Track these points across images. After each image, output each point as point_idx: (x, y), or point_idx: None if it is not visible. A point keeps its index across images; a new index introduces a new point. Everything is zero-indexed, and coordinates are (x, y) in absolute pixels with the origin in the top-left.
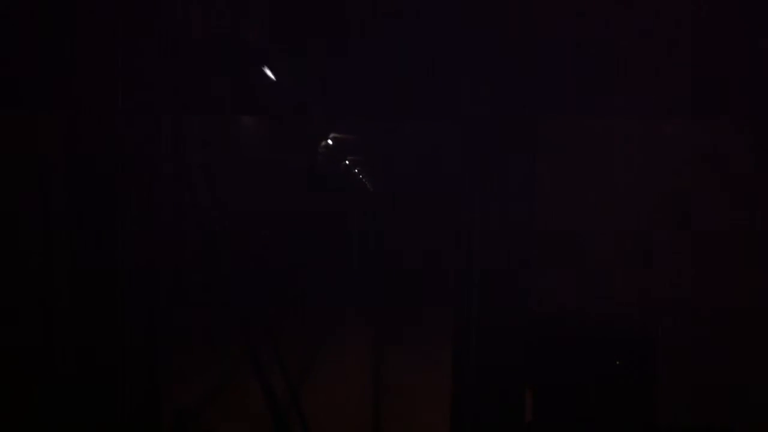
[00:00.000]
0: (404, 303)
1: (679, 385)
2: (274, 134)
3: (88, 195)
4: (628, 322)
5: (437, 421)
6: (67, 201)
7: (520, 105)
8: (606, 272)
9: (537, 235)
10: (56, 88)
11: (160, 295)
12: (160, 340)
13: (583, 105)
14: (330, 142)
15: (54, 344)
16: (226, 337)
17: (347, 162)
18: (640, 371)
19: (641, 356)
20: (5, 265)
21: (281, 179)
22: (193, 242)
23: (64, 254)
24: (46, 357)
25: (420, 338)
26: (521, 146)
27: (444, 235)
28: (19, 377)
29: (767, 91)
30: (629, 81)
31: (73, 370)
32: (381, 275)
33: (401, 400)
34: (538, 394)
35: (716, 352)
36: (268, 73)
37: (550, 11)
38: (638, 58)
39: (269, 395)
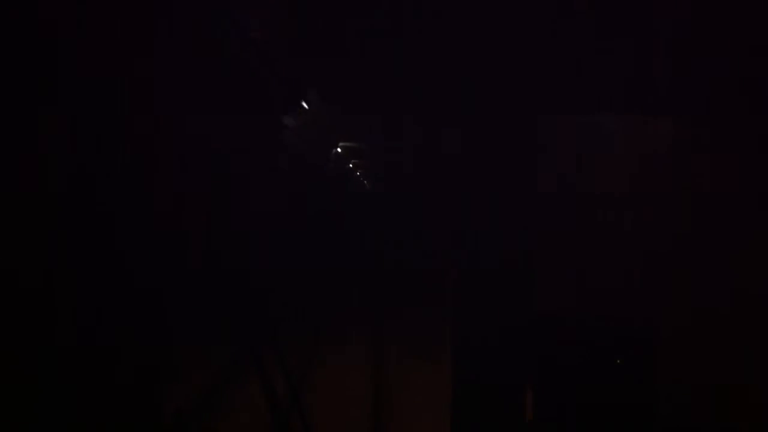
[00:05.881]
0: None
1: (679, 385)
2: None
3: (89, 194)
4: (628, 322)
5: None
6: (68, 200)
7: (520, 105)
8: (606, 272)
9: (537, 234)
10: (57, 88)
11: (160, 293)
12: (160, 339)
13: (583, 105)
14: (339, 150)
15: (54, 343)
16: (226, 336)
17: (351, 166)
18: (640, 371)
19: (641, 356)
20: (6, 265)
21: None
22: (194, 240)
23: (64, 254)
24: (45, 356)
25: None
26: (521, 146)
27: (445, 235)
28: (18, 376)
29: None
30: (627, 81)
31: (73, 370)
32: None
33: None
34: (538, 394)
35: (716, 352)
36: (304, 104)
37: (549, 13)
38: (635, 58)
39: (269, 392)
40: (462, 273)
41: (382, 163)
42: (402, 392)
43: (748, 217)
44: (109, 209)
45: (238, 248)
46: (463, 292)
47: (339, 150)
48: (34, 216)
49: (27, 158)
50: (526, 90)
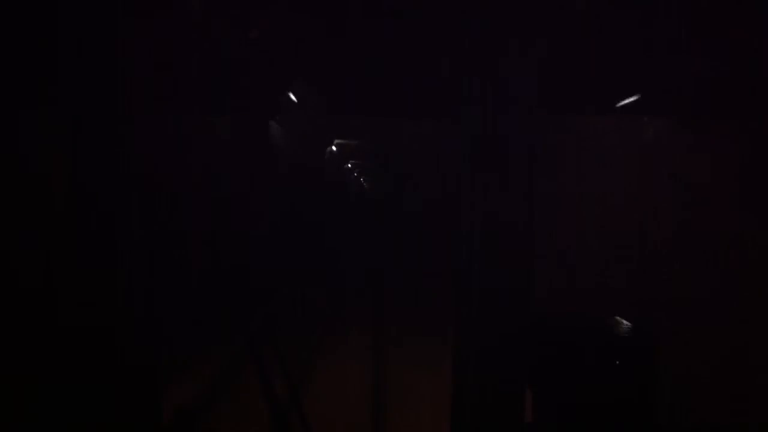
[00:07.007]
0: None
1: (679, 385)
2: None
3: (89, 194)
4: (627, 323)
5: None
6: (68, 200)
7: (519, 105)
8: (606, 272)
9: (537, 235)
10: (57, 88)
11: (160, 293)
12: (160, 339)
13: (583, 104)
14: (334, 148)
15: (53, 343)
16: (226, 336)
17: (348, 166)
18: (640, 371)
19: (641, 356)
20: (6, 265)
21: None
22: (194, 240)
23: (65, 253)
24: (46, 356)
25: None
26: (521, 147)
27: (445, 236)
28: (18, 376)
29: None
30: (626, 81)
31: (73, 370)
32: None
33: None
34: (538, 394)
35: (716, 353)
36: (292, 97)
37: (548, 12)
38: (635, 59)
39: (270, 392)
40: (462, 273)
41: (380, 164)
42: (402, 392)
43: (747, 217)
44: (109, 209)
45: (239, 248)
46: (463, 292)
47: (334, 148)
48: (34, 216)
49: (27, 158)
50: (525, 89)
